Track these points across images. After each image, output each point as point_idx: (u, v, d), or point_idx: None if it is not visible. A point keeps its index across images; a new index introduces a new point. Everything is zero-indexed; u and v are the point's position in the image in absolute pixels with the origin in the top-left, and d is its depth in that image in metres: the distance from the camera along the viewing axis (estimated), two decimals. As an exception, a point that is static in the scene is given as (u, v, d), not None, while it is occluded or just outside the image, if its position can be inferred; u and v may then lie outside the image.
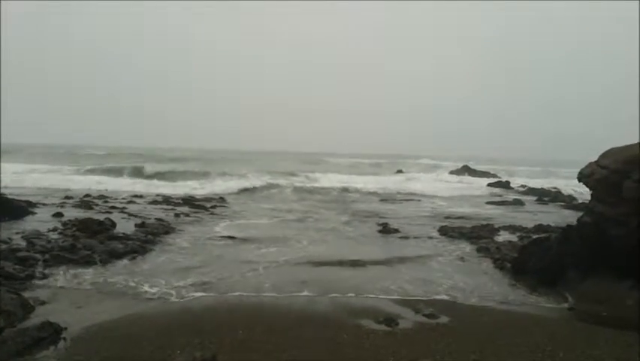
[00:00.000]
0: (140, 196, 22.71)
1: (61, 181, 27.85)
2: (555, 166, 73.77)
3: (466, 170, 53.94)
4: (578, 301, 8.26)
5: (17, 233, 11.89)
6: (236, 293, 8.14)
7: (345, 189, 29.43)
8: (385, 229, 15.07)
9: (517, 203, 25.37)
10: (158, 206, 19.57)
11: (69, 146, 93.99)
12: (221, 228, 14.87)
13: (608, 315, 7.63)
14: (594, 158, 9.49)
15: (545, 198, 28.64)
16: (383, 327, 6.67)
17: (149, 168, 37.32)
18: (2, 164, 32.95)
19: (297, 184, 31.02)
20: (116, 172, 35.15)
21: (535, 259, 9.69)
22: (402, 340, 6.20)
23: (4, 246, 10.21)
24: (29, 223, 13.88)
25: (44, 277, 8.80)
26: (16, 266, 9.00)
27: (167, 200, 21.43)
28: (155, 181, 30.58)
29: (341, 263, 10.77)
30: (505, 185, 36.89)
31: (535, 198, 29.22)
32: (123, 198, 21.63)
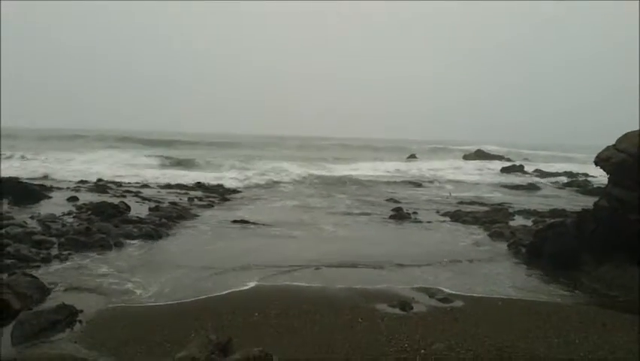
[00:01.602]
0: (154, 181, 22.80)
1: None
2: (569, 151, 73.19)
3: (479, 154, 53.64)
4: (594, 286, 8.19)
5: (33, 217, 11.96)
6: (251, 279, 8.11)
7: (358, 174, 29.32)
8: (399, 214, 14.99)
9: (532, 187, 25.18)
10: (172, 190, 19.63)
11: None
12: (235, 212, 14.87)
13: (623, 300, 7.56)
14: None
15: (560, 182, 28.42)
16: (398, 311, 6.65)
17: None
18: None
19: (305, 169, 30.96)
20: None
21: (550, 244, 9.60)
22: (416, 324, 6.18)
23: (20, 229, 10.29)
24: (45, 207, 13.98)
25: (60, 260, 8.86)
26: (32, 249, 9.08)
27: (180, 185, 21.49)
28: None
29: (351, 251, 10.75)
30: (519, 169, 36.59)
31: (549, 182, 29.01)
32: (137, 183, 21.72)
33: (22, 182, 15.97)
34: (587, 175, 32.42)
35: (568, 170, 36.70)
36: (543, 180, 29.70)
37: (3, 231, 10.10)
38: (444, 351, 5.33)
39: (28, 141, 51.28)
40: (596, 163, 9.59)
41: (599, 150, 9.59)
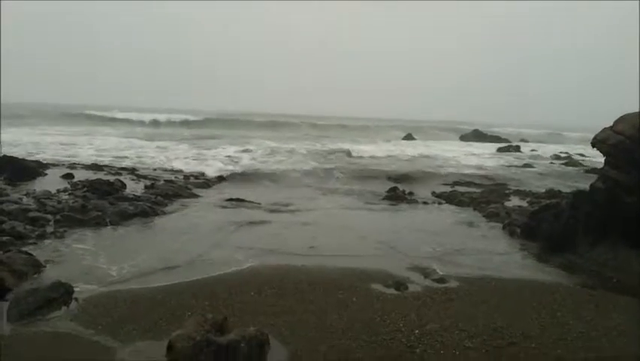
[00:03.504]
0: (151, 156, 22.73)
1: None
2: (565, 130, 73.28)
3: (476, 134, 53.62)
4: (589, 268, 8.23)
5: (28, 193, 11.91)
6: (247, 258, 8.10)
7: (356, 153, 29.24)
8: (395, 194, 14.98)
9: (528, 167, 25.21)
10: (167, 168, 19.57)
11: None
12: (232, 190, 14.85)
13: (618, 282, 7.60)
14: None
15: (556, 163, 28.46)
16: (393, 291, 6.68)
17: None
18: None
19: (302, 147, 30.90)
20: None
21: (545, 225, 9.64)
22: (411, 304, 6.21)
23: (15, 206, 10.24)
24: (40, 184, 13.92)
25: (55, 237, 8.84)
26: (27, 226, 9.05)
27: (176, 162, 21.42)
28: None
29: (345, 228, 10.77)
30: (516, 149, 36.60)
31: (545, 162, 29.05)
32: (131, 160, 21.62)
33: (17, 158, 15.89)
34: (583, 156, 32.50)
35: (564, 151, 36.75)
36: (539, 161, 29.70)
37: (-2, 208, 10.08)
38: (438, 331, 5.37)
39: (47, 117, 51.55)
40: (593, 145, 9.56)
41: (596, 131, 9.57)
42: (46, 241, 8.57)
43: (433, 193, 16.08)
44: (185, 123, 57.36)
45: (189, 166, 20.26)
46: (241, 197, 13.41)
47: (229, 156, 24.66)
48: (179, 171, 18.49)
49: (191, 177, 17.06)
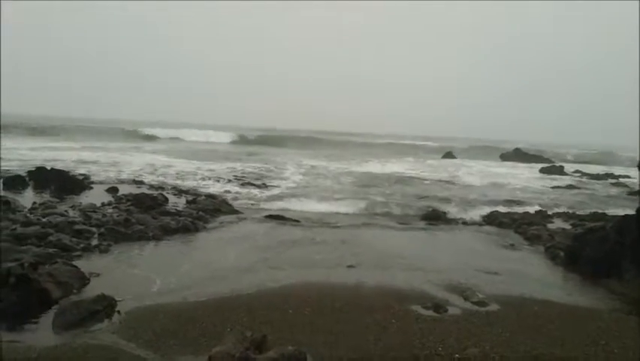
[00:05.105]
0: (193, 173, 23.07)
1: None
2: (612, 150, 71.46)
3: (517, 154, 52.76)
4: (634, 295, 7.99)
5: (74, 206, 12.25)
6: (286, 275, 8.14)
7: (395, 172, 29.13)
8: (433, 213, 14.84)
9: (572, 189, 24.67)
10: (207, 183, 19.83)
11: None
12: (270, 208, 14.93)
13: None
14: None
15: (601, 184, 27.77)
16: (432, 313, 6.60)
17: None
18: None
19: (343, 166, 30.92)
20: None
21: (590, 249, 9.41)
22: (450, 327, 6.12)
23: (61, 218, 10.55)
24: (85, 197, 14.30)
25: (100, 250, 9.06)
26: (73, 239, 9.31)
27: (217, 177, 21.71)
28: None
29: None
30: (559, 170, 35.84)
31: (590, 184, 28.37)
32: (172, 176, 21.99)
33: (65, 172, 16.38)
34: (629, 178, 31.65)
35: (610, 172, 35.85)
36: (584, 182, 29.04)
37: (45, 220, 10.40)
38: (478, 357, 5.28)
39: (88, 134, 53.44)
40: (640, 167, 9.36)
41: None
42: (91, 254, 8.80)
43: (474, 213, 15.86)
44: (226, 142, 58.36)
45: (230, 183, 20.49)
46: (281, 214, 13.50)
47: (270, 173, 24.90)
48: (221, 188, 18.73)
49: (232, 193, 17.24)
